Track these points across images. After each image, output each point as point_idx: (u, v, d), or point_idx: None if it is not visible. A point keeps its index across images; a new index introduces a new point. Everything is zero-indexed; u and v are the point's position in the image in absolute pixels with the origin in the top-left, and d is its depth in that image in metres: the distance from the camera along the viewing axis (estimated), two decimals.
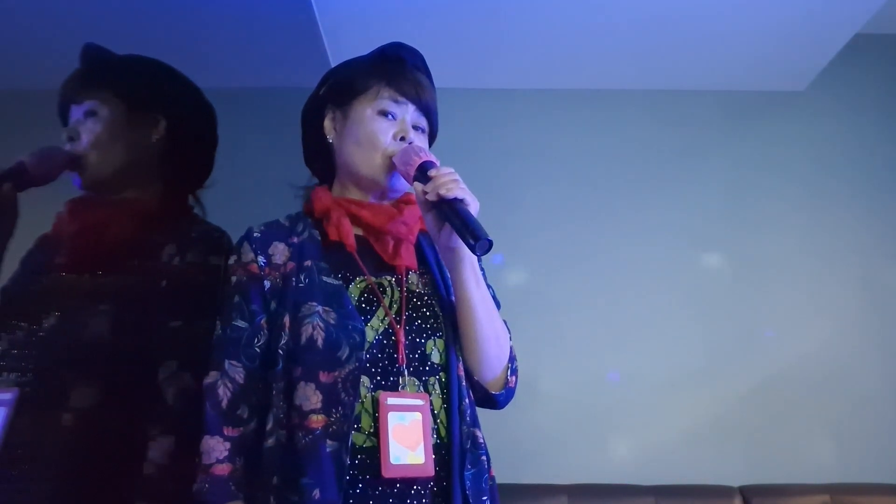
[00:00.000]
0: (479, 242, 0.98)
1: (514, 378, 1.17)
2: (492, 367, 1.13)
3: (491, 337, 1.11)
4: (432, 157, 1.09)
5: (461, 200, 1.02)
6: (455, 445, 1.04)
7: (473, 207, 1.02)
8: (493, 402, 1.15)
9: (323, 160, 1.24)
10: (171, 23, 2.36)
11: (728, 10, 2.32)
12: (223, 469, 1.00)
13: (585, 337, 2.62)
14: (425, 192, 1.04)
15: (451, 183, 1.02)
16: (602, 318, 2.64)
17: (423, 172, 1.06)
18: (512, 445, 2.45)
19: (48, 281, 1.19)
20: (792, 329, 2.63)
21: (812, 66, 2.66)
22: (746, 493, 2.38)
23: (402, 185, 1.16)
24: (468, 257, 1.09)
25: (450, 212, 1.02)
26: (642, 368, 2.59)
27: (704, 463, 2.49)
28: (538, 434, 2.54)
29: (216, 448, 1.01)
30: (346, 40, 2.43)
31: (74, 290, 1.17)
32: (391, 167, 1.14)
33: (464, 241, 1.00)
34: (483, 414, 1.14)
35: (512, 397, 1.17)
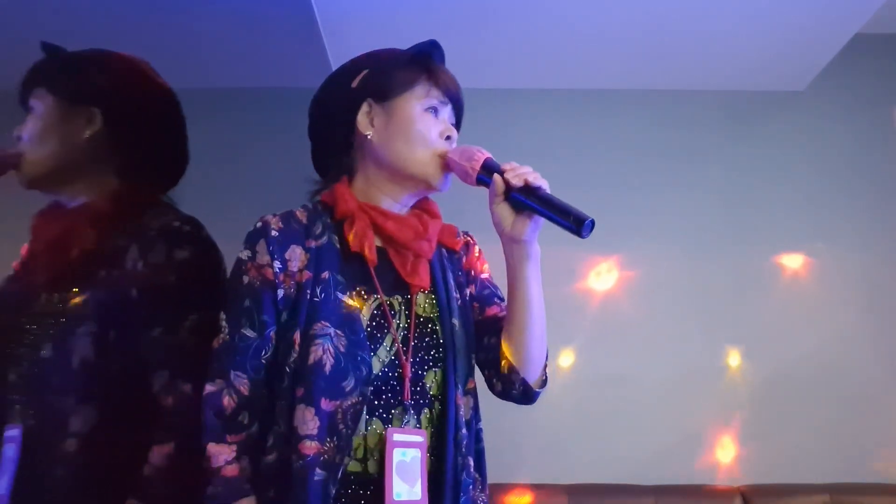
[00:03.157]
0: (586, 224, 0.97)
1: (547, 374, 1.17)
2: (538, 365, 1.13)
3: (540, 336, 1.11)
4: (491, 156, 1.09)
5: (544, 189, 1.03)
6: (448, 478, 1.04)
7: None
8: (530, 398, 1.15)
9: (344, 155, 1.18)
10: (171, 23, 2.36)
11: (728, 10, 2.32)
12: (233, 470, 1.00)
13: (585, 337, 2.62)
14: (507, 181, 1.03)
15: (532, 173, 1.03)
16: (602, 318, 2.64)
17: (487, 170, 1.06)
18: (512, 445, 2.45)
19: (39, 304, 1.16)
20: (792, 329, 2.63)
21: (812, 66, 2.66)
22: (746, 493, 2.38)
23: (447, 186, 1.16)
24: (535, 253, 1.08)
25: (537, 200, 1.02)
26: (642, 369, 2.59)
27: (704, 463, 2.50)
28: (538, 434, 2.54)
29: (222, 452, 1.00)
30: (346, 40, 2.43)
31: (60, 312, 1.13)
32: (443, 166, 1.12)
33: (564, 226, 0.99)
34: (484, 414, 1.15)
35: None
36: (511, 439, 2.46)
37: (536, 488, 2.39)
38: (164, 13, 2.32)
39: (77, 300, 1.13)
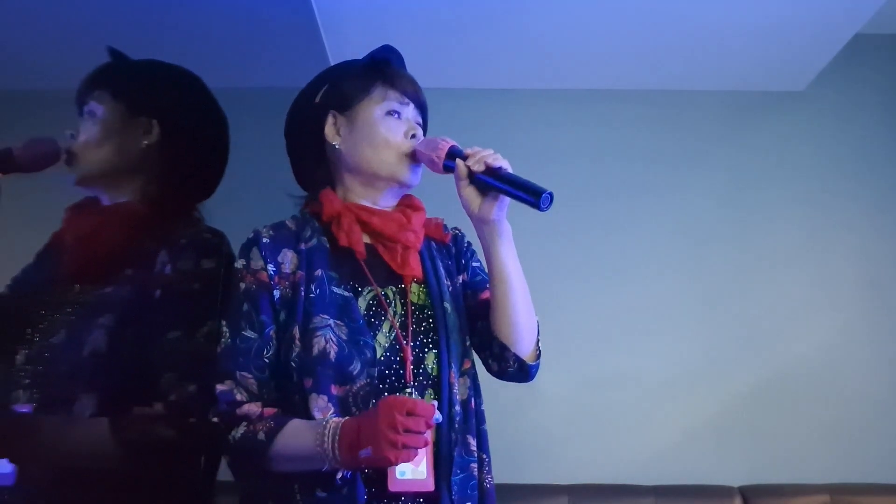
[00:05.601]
0: (543, 196, 1.03)
1: (540, 348, 1.20)
2: (527, 339, 1.16)
3: (525, 310, 1.15)
4: (456, 143, 1.14)
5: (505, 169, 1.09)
6: (443, 452, 1.05)
7: None
8: (527, 373, 1.17)
9: (320, 167, 1.24)
10: (171, 23, 2.36)
11: (728, 10, 2.32)
12: (270, 410, 1.03)
13: (585, 337, 2.62)
14: (468, 166, 1.09)
15: (492, 155, 1.09)
16: (602, 318, 2.64)
17: (452, 156, 1.11)
18: (512, 445, 2.45)
19: (58, 292, 1.20)
20: (792, 329, 2.63)
21: (812, 66, 2.66)
22: (746, 493, 2.38)
23: (418, 179, 1.20)
24: (506, 231, 1.13)
25: (499, 179, 1.08)
26: (642, 368, 2.59)
27: (704, 463, 2.50)
28: (538, 434, 2.54)
29: (252, 409, 1.03)
30: (346, 40, 2.43)
31: (79, 303, 1.17)
32: (411, 161, 1.17)
33: (525, 201, 1.05)
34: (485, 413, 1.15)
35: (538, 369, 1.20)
36: (511, 439, 2.46)
37: (536, 488, 2.39)
38: (164, 13, 2.32)
39: (99, 293, 1.17)
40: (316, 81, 1.27)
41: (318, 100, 1.23)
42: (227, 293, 1.14)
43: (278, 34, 2.45)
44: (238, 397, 1.04)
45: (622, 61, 2.66)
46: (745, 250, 2.70)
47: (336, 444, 0.94)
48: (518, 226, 1.18)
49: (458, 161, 1.10)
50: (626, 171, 2.77)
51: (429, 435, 1.00)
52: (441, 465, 1.05)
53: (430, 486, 1.02)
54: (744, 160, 2.78)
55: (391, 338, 1.08)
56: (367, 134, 1.17)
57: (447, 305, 1.15)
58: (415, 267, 1.15)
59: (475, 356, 1.21)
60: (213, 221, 1.34)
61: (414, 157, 1.17)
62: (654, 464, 2.50)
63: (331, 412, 1.00)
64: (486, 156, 1.09)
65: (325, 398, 1.01)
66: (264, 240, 1.12)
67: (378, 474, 1.01)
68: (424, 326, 1.12)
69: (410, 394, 1.05)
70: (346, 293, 1.08)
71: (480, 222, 1.12)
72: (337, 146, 1.20)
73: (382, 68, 1.22)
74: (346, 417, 0.99)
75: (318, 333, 1.03)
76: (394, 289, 1.13)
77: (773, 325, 2.63)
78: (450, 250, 1.27)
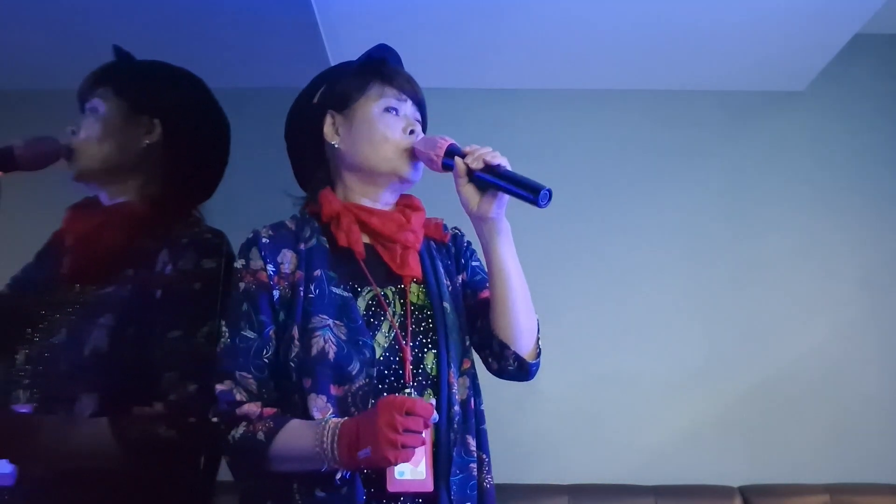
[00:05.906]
0: (542, 192, 1.03)
1: (540, 346, 1.20)
2: (527, 337, 1.15)
3: (525, 308, 1.14)
4: (454, 142, 1.13)
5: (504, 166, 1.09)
6: (442, 452, 1.05)
7: None
8: (527, 372, 1.17)
9: (320, 168, 1.24)
10: (171, 23, 2.36)
11: (728, 10, 2.32)
12: (269, 410, 1.03)
13: (585, 337, 2.62)
14: (467, 164, 1.09)
15: (490, 153, 1.09)
16: (602, 318, 2.64)
17: (451, 155, 1.11)
18: (512, 445, 2.45)
19: (59, 292, 1.20)
20: (792, 329, 2.63)
21: (812, 66, 2.66)
22: (746, 493, 2.38)
23: (419, 175, 1.20)
24: (505, 229, 1.13)
25: (497, 177, 1.07)
26: (642, 368, 2.60)
27: (704, 463, 2.50)
28: (538, 434, 2.54)
29: (251, 409, 1.02)
30: (346, 40, 2.43)
31: (79, 302, 1.18)
32: (411, 158, 1.17)
33: (524, 198, 1.05)
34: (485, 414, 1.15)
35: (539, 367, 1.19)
36: (511, 439, 2.46)
37: (536, 488, 2.39)
38: (164, 13, 2.32)
39: (100, 293, 1.17)
40: (314, 83, 1.28)
41: (315, 100, 1.24)
42: (227, 293, 1.14)
43: (278, 34, 2.45)
44: (238, 397, 1.03)
45: (622, 61, 2.66)
46: (745, 250, 2.70)
47: (335, 445, 0.94)
48: (517, 224, 1.18)
49: (457, 159, 1.10)
50: (626, 171, 2.78)
51: (427, 435, 1.00)
52: (440, 465, 1.04)
53: (429, 487, 1.02)
54: (744, 160, 2.78)
55: (390, 338, 1.08)
56: (365, 131, 1.17)
57: (446, 305, 1.15)
58: (414, 267, 1.15)
59: (475, 355, 1.21)
60: (213, 221, 1.34)
61: (413, 154, 1.17)
62: (654, 464, 2.51)
63: (330, 412, 1.00)
64: (485, 153, 1.09)
65: (324, 398, 1.01)
66: (264, 240, 1.12)
67: (377, 474, 1.00)
68: (424, 326, 1.12)
69: (409, 394, 1.05)
70: (345, 293, 1.09)
71: (479, 220, 1.12)
72: (336, 145, 1.20)
73: (379, 67, 1.22)
74: (346, 417, 0.99)
75: (317, 333, 1.03)
76: (393, 289, 1.14)
77: (773, 326, 2.63)
78: (449, 250, 1.27)
